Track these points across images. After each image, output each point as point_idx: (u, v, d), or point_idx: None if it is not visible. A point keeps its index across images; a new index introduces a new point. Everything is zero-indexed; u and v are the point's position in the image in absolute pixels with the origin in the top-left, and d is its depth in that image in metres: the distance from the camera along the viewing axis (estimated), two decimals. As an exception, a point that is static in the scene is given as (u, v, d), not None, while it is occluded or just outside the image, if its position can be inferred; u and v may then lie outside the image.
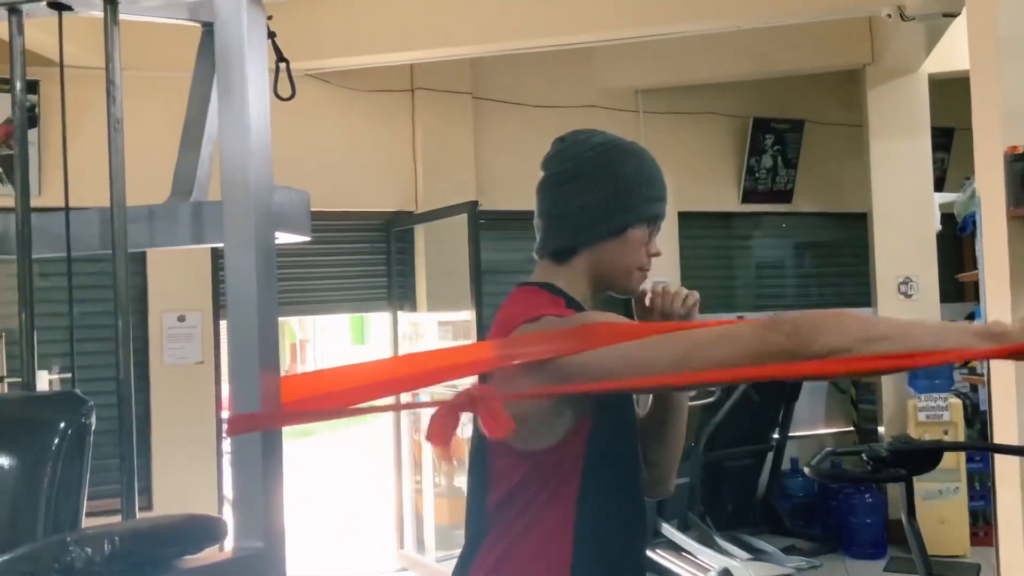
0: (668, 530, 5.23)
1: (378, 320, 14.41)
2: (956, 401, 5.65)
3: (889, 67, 5.94)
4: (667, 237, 6.39)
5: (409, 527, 5.86)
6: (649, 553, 5.01)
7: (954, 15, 4.73)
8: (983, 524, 5.79)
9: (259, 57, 1.44)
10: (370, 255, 5.83)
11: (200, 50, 1.77)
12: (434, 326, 5.65)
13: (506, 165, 5.84)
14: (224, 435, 1.42)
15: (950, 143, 7.23)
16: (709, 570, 4.91)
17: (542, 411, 1.36)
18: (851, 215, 6.67)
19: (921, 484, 5.59)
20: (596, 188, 1.50)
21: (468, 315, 4.99)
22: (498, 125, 5.95)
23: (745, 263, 6.97)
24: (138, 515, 1.54)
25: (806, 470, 2.52)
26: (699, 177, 6.51)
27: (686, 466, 5.35)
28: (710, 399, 5.49)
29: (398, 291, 5.83)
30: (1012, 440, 2.97)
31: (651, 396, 1.62)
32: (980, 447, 3.00)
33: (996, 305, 3.07)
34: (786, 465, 6.39)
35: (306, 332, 18.14)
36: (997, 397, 3.15)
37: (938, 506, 5.57)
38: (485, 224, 5.26)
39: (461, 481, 5.89)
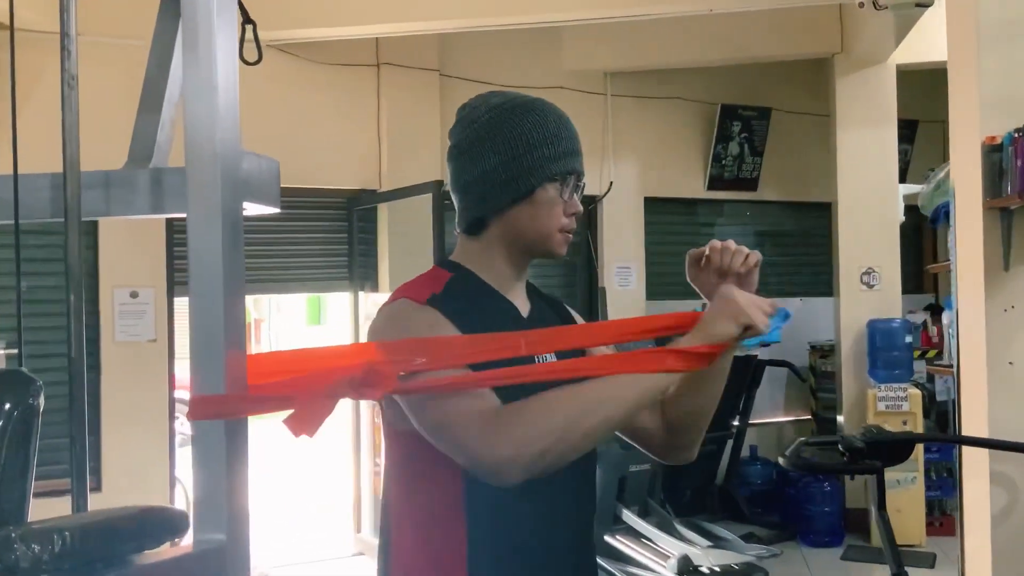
0: (628, 516, 5.20)
1: (336, 300, 14.23)
2: (916, 392, 5.69)
3: (858, 57, 5.93)
4: (633, 223, 6.35)
5: (367, 511, 5.77)
6: (609, 539, 4.98)
7: (926, 5, 4.71)
8: (939, 514, 5.87)
9: (228, 9, 1.33)
10: (331, 233, 5.70)
11: (162, 5, 1.64)
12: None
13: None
14: (186, 417, 1.33)
15: (914, 135, 7.28)
16: (669, 557, 4.88)
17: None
18: (815, 204, 6.69)
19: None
20: (495, 151, 1.43)
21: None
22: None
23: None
24: (88, 497, 1.44)
25: (781, 460, 2.48)
26: (666, 163, 6.47)
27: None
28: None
29: (360, 271, 5.71)
30: (981, 432, 2.96)
31: None
32: (952, 439, 2.99)
33: (969, 295, 3.06)
34: (745, 452, 6.41)
35: (261, 312, 17.88)
36: (966, 389, 3.14)
37: (896, 496, 5.60)
38: (449, 204, 5.15)
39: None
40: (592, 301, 6.11)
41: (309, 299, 17.74)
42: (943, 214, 4.13)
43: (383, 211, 5.68)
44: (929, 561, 5.30)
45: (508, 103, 1.47)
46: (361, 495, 5.79)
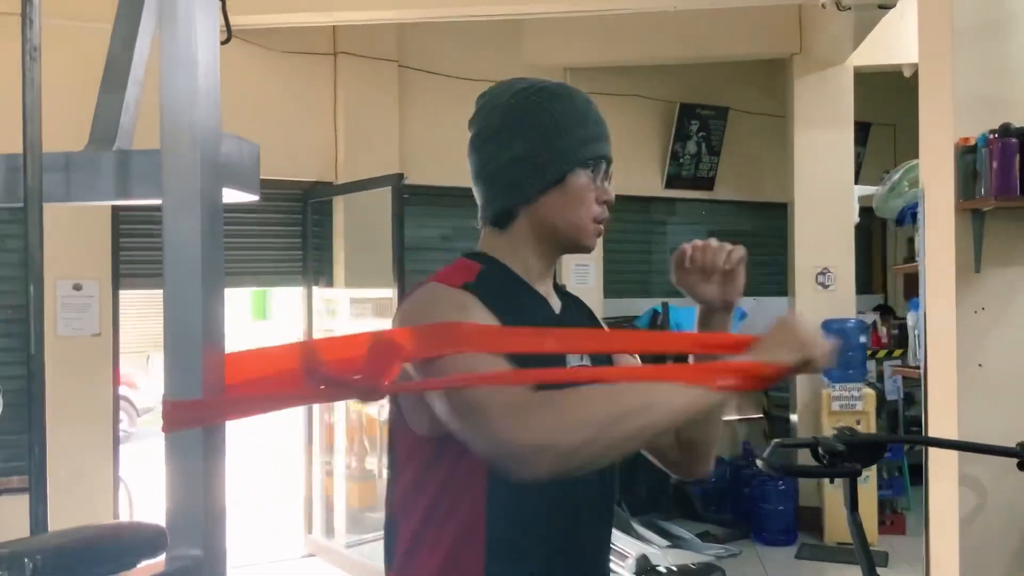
0: (586, 516, 5.15)
1: (283, 295, 13.95)
2: (869, 391, 5.74)
3: (817, 58, 5.97)
4: (591, 219, 6.30)
5: (318, 511, 5.63)
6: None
7: (889, 6, 4.74)
8: (890, 513, 5.93)
9: (211, -23, 1.22)
10: (285, 226, 5.54)
11: (129, -22, 1.52)
12: (351, 303, 5.41)
13: (432, 138, 5.63)
14: (162, 429, 1.20)
15: (867, 137, 7.37)
16: (627, 556, 4.85)
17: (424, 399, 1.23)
18: (772, 204, 6.72)
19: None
20: (524, 137, 1.35)
21: (390, 293, 4.78)
22: (424, 96, 5.72)
23: (664, 249, 6.94)
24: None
25: (759, 463, 2.43)
26: (624, 161, 6.36)
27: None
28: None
29: (314, 265, 5.56)
30: (950, 434, 2.96)
31: None
32: (925, 441, 2.99)
33: (939, 296, 3.06)
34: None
35: (204, 305, 17.50)
36: (934, 390, 3.14)
37: (847, 494, 5.66)
38: (409, 199, 5.04)
39: (373, 463, 5.70)
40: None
41: (254, 293, 17.41)
42: (910, 215, 4.15)
43: (339, 204, 5.54)
44: (882, 560, 5.34)
45: (533, 87, 1.39)
46: (312, 496, 5.65)
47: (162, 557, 1.22)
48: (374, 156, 5.38)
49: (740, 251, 1.40)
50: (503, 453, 1.12)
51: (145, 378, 11.95)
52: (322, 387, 1.11)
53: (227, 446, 1.27)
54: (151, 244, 4.98)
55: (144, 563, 0.99)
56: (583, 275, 6.08)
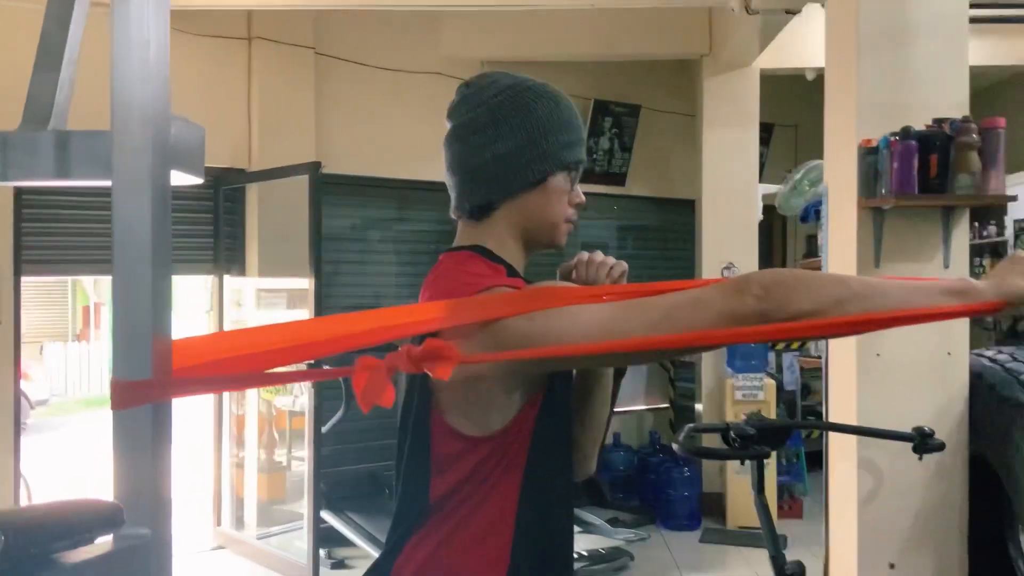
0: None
1: (185, 283, 13.59)
2: (770, 381, 5.98)
3: (725, 60, 6.16)
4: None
5: (227, 503, 5.54)
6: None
7: (795, 12, 4.94)
8: (788, 498, 6.19)
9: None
10: (195, 213, 5.42)
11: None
12: (266, 293, 5.34)
13: (348, 127, 5.60)
14: (111, 407, 1.20)
15: (769, 138, 7.64)
16: (539, 544, 4.93)
17: (493, 390, 1.26)
18: (680, 201, 6.90)
19: (735, 461, 5.89)
20: (510, 135, 1.38)
21: (306, 283, 4.74)
22: (341, 85, 5.68)
23: (575, 242, 7.06)
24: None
25: (675, 447, 2.54)
26: (539, 154, 6.51)
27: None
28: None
29: (226, 254, 5.47)
30: (849, 420, 3.13)
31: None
32: (827, 426, 3.15)
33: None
34: (608, 440, 6.55)
35: (101, 295, 16.91)
36: (835, 380, 3.31)
37: (749, 481, 5.88)
38: (331, 188, 5.01)
39: (282, 455, 5.64)
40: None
41: (154, 282, 16.88)
42: (813, 212, 4.35)
43: (252, 191, 5.45)
44: (782, 543, 5.56)
45: (522, 85, 1.42)
46: (222, 488, 5.56)
47: (110, 537, 1.22)
48: (289, 144, 5.31)
49: (622, 266, 1.46)
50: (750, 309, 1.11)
51: (39, 369, 11.47)
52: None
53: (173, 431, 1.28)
54: (55, 230, 4.82)
55: (99, 540, 1.00)
56: (498, 267, 6.14)
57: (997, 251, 6.24)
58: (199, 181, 1.44)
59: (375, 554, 5.07)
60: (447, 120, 1.48)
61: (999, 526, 3.34)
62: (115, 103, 1.23)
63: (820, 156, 5.76)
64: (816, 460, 7.07)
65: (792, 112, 7.62)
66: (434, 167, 5.73)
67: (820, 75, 6.22)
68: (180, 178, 1.37)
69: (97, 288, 16.52)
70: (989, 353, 3.13)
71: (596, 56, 6.34)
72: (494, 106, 1.40)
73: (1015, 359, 2.98)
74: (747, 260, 6.25)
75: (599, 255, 1.47)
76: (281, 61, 5.42)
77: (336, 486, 5.40)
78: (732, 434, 2.49)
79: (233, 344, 1.26)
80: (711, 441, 3.12)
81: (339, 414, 5.14)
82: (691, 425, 2.71)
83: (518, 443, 1.30)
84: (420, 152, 5.86)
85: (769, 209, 6.39)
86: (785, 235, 8.33)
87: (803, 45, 5.90)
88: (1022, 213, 5.97)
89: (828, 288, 1.12)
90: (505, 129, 1.39)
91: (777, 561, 2.78)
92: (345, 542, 5.17)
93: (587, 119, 6.62)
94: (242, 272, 5.49)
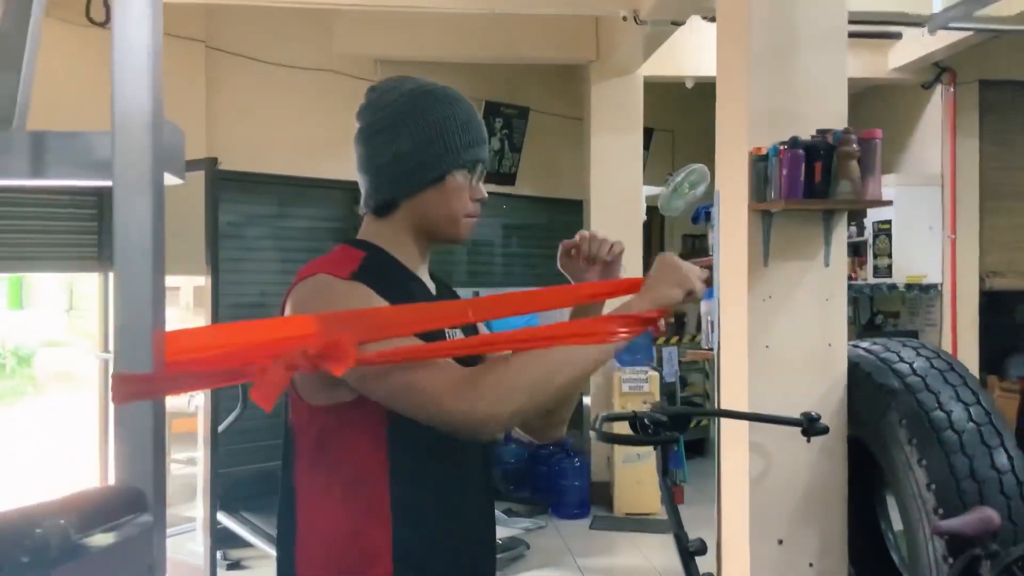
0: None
1: (47, 282, 12.92)
2: (654, 374, 6.26)
3: (611, 66, 6.40)
4: (399, 210, 6.45)
5: (114, 507, 5.38)
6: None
7: (680, 23, 5.21)
8: (673, 484, 6.49)
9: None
10: (80, 209, 5.24)
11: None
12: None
13: (240, 124, 5.53)
14: (112, 400, 1.23)
15: (649, 142, 7.96)
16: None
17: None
18: (568, 201, 7.12)
19: (622, 449, 6.15)
20: (410, 136, 1.48)
21: (202, 280, 4.68)
22: (233, 80, 5.60)
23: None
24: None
25: (592, 434, 2.69)
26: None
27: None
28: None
29: (110, 251, 5.30)
30: (741, 407, 3.37)
31: None
32: (725, 413, 3.37)
33: (733, 287, 3.46)
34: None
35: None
36: (727, 370, 3.55)
37: (635, 469, 6.16)
38: (227, 184, 4.95)
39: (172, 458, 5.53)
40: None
41: (11, 280, 15.99)
42: (704, 214, 4.60)
43: (141, 187, 5.31)
44: (666, 527, 5.81)
45: (422, 89, 1.52)
46: (108, 480, 5.39)
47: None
48: (181, 139, 5.21)
49: (621, 245, 1.61)
50: (455, 426, 1.29)
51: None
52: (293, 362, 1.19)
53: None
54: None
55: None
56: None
57: (857, 250, 6.73)
58: (181, 182, 1.49)
59: (273, 553, 5.06)
60: (356, 121, 1.57)
61: (870, 501, 3.67)
62: (117, 105, 1.27)
63: (697, 160, 6.14)
64: (695, 449, 7.45)
65: (670, 118, 7.97)
66: (327, 164, 5.84)
67: (699, 83, 6.57)
68: (168, 179, 1.41)
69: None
70: (864, 344, 3.43)
71: (488, 59, 6.48)
72: (395, 109, 1.50)
73: (888, 350, 3.29)
74: (633, 258, 6.51)
75: (599, 233, 1.61)
76: (170, 54, 5.27)
77: (230, 487, 5.34)
78: (645, 421, 2.66)
79: (213, 340, 1.32)
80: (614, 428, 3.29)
81: (235, 413, 5.09)
82: (604, 414, 2.86)
83: (372, 412, 1.37)
84: (311, 149, 5.87)
85: (650, 209, 6.68)
86: (663, 234, 8.70)
87: (685, 55, 6.21)
88: (880, 215, 6.47)
89: (528, 377, 1.29)
90: (405, 131, 1.48)
91: (681, 539, 2.95)
92: (240, 543, 5.12)
93: (478, 120, 6.75)
94: (130, 270, 5.34)
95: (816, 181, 3.13)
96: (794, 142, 3.13)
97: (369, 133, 1.51)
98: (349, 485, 1.41)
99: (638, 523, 6.02)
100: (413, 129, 1.48)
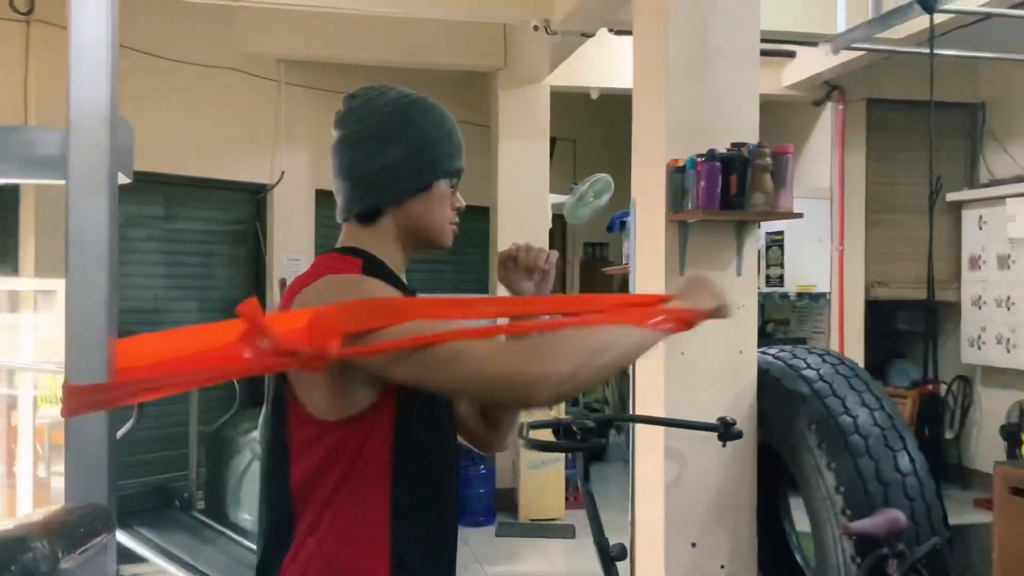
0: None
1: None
2: (559, 381, 6.32)
3: (518, 75, 6.44)
4: (304, 214, 6.31)
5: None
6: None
7: (590, 35, 5.29)
8: (574, 490, 6.56)
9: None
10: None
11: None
12: (45, 295, 4.95)
13: (142, 122, 5.29)
14: (61, 414, 1.15)
15: (552, 151, 8.04)
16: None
17: (331, 379, 1.31)
18: (476, 208, 7.11)
19: (527, 455, 6.18)
20: (397, 145, 1.49)
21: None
22: (133, 77, 5.36)
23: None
24: None
25: (521, 442, 2.69)
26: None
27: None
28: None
29: (14, 257, 5.03)
30: (657, 413, 3.43)
31: None
32: (646, 419, 3.43)
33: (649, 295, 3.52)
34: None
35: None
36: (643, 377, 3.61)
37: (540, 475, 6.20)
38: (130, 185, 4.73)
39: (43, 470, 5.25)
40: (260, 292, 5.96)
41: None
42: (618, 223, 4.67)
43: (28, 187, 5.04)
44: (570, 532, 5.92)
45: (406, 98, 1.52)
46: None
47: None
48: (74, 136, 4.97)
49: (555, 254, 1.66)
50: (508, 386, 1.26)
51: None
52: (269, 354, 1.15)
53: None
54: None
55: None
56: (295, 269, 6.05)
57: (752, 260, 6.97)
58: (128, 181, 1.42)
59: (170, 568, 4.86)
60: (334, 129, 1.55)
61: (775, 503, 3.80)
62: (73, 102, 1.21)
63: (599, 170, 6.25)
64: (595, 455, 7.55)
65: (572, 127, 8.07)
66: (225, 164, 5.64)
67: (603, 94, 6.69)
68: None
69: None
70: (772, 351, 3.56)
71: (394, 62, 6.42)
72: (382, 117, 1.50)
73: (795, 356, 3.42)
74: (538, 265, 6.56)
75: (533, 244, 1.67)
76: (64, 46, 5.05)
77: (122, 501, 5.12)
78: (574, 427, 2.68)
79: (179, 343, 1.27)
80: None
81: (131, 423, 4.88)
82: (530, 421, 2.88)
83: (376, 440, 1.36)
84: (208, 148, 5.70)
85: (554, 217, 6.75)
86: (564, 242, 8.80)
87: (591, 66, 6.31)
88: (773, 227, 6.71)
89: (580, 348, 1.29)
90: (393, 140, 1.49)
91: (601, 545, 3.00)
92: (135, 558, 4.91)
93: (384, 124, 6.67)
94: (15, 271, 5.07)
95: (732, 193, 3.22)
96: (711, 155, 3.22)
97: (354, 141, 1.50)
98: (354, 496, 1.37)
99: (543, 528, 6.06)
100: (402, 138, 1.48)
